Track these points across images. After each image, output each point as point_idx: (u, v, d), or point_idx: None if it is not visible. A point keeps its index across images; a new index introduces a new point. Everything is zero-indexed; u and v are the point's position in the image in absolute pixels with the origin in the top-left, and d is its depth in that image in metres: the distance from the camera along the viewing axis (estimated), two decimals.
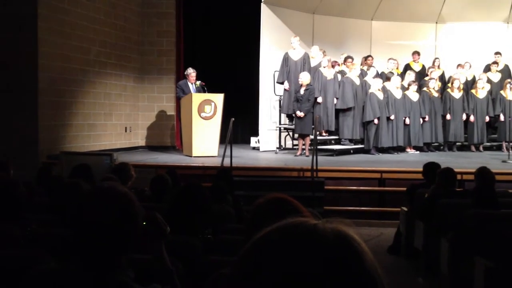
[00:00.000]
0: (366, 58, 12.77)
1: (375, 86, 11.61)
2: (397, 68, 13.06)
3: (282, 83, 11.74)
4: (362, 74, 12.16)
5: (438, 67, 13.31)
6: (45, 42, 9.72)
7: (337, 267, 0.79)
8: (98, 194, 1.99)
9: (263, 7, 12.09)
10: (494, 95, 12.79)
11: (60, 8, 10.17)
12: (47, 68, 9.81)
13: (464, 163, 10.00)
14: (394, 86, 11.96)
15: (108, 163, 8.16)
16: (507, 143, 12.26)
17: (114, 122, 12.11)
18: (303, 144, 11.11)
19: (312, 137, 10.52)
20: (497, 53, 13.30)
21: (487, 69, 13.31)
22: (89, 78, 11.22)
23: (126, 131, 12.56)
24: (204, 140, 10.53)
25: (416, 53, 13.43)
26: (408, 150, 12.19)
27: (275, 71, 12.00)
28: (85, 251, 1.88)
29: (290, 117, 11.94)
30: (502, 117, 12.46)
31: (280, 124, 12.29)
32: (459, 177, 7.38)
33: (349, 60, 12.09)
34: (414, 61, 13.44)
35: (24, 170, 7.71)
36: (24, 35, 9.48)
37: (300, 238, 0.82)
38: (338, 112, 11.65)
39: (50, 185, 5.06)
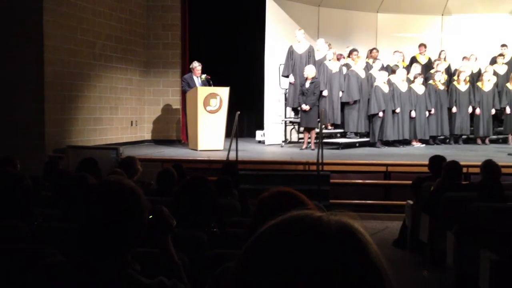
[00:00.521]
0: (371, 51, 12.73)
1: (381, 79, 11.58)
2: (403, 61, 13.01)
3: (287, 76, 11.72)
4: (368, 67, 12.13)
5: (444, 59, 13.24)
6: (50, 36, 9.73)
7: (342, 259, 0.79)
8: (104, 188, 2.00)
9: (268, 0, 12.06)
10: (500, 87, 12.71)
11: (65, 1, 10.18)
12: (53, 62, 9.83)
13: (470, 156, 9.97)
14: (399, 79, 11.91)
15: (115, 157, 8.21)
16: None
17: (120, 116, 12.14)
18: (309, 138, 11.11)
19: (317, 130, 10.52)
20: (504, 45, 13.23)
21: (493, 61, 13.24)
22: (95, 72, 11.23)
23: (132, 125, 12.59)
24: (210, 134, 10.54)
25: (422, 45, 13.36)
26: (414, 143, 12.16)
27: (280, 64, 11.98)
28: (92, 245, 1.89)
29: (295, 110, 11.93)
30: (508, 110, 12.41)
31: (285, 117, 12.28)
32: (464, 170, 7.37)
33: (355, 53, 12.05)
34: (420, 53, 13.38)
35: (30, 164, 7.74)
36: (29, 29, 9.49)
37: (305, 230, 0.82)
38: (343, 105, 11.64)
39: (56, 179, 5.08)
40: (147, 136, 13.13)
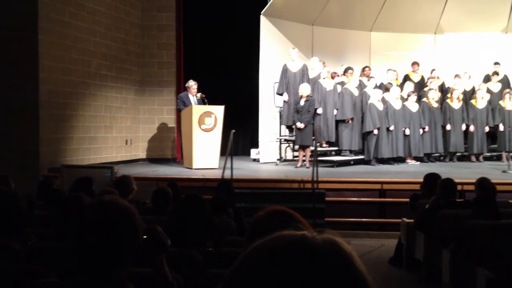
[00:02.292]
0: (363, 69, 12.80)
1: (375, 97, 11.63)
2: (396, 79, 13.10)
3: (281, 94, 11.78)
4: (361, 85, 12.19)
5: (437, 77, 13.33)
6: (45, 55, 9.75)
7: (330, 274, 0.80)
8: (99, 208, 1.99)
9: (263, 19, 12.15)
10: (493, 105, 12.78)
11: (60, 21, 10.22)
12: (48, 81, 9.84)
13: (464, 173, 9.99)
14: (393, 97, 11.98)
15: (109, 176, 8.16)
16: (507, 153, 12.26)
17: (115, 134, 12.12)
18: (304, 156, 11.11)
19: (312, 148, 10.53)
20: (496, 63, 13.33)
21: (487, 79, 13.34)
22: (89, 91, 11.24)
23: (126, 143, 12.57)
24: (205, 152, 10.53)
25: (415, 63, 13.46)
26: (408, 160, 12.18)
27: (275, 83, 12.04)
28: (86, 264, 1.88)
29: (290, 128, 11.96)
30: (501, 127, 12.47)
31: (280, 135, 12.30)
32: (459, 187, 7.37)
33: (350, 71, 12.12)
34: (413, 71, 13.47)
35: (25, 183, 7.70)
36: (24, 48, 9.51)
37: (289, 246, 0.83)
38: (337, 123, 11.67)
39: (50, 198, 5.06)
40: (142, 154, 13.11)
